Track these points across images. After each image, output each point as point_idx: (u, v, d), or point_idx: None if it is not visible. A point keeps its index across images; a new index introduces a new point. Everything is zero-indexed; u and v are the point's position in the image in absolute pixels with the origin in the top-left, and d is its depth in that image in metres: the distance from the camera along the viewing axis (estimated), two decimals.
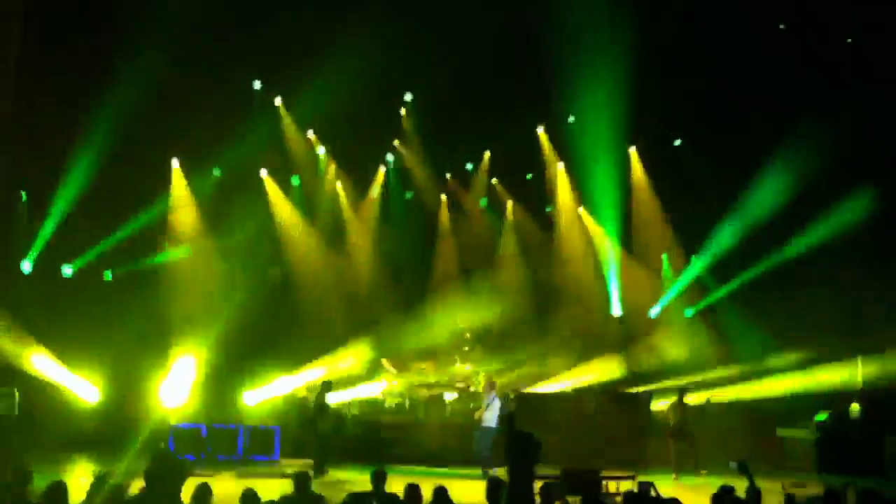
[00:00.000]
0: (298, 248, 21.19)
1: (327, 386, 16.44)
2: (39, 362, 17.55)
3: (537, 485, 9.09)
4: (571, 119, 21.10)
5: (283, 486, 10.23)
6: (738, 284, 20.39)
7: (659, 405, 18.04)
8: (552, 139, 21.84)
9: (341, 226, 21.98)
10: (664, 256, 21.74)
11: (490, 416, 16.03)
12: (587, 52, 18.41)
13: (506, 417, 13.89)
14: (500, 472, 13.54)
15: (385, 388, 19.51)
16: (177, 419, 17.32)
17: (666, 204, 21.25)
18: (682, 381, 18.37)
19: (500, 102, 19.61)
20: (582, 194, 21.56)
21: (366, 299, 21.09)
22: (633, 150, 21.52)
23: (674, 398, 17.06)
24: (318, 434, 15.78)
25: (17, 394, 15.63)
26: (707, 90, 19.24)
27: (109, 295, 19.12)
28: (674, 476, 15.88)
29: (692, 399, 17.55)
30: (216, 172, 20.35)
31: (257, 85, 20.33)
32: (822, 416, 17.83)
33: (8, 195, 17.89)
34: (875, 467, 16.19)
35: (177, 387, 18.75)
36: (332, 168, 21.60)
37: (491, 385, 16.63)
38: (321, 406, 16.01)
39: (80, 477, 11.89)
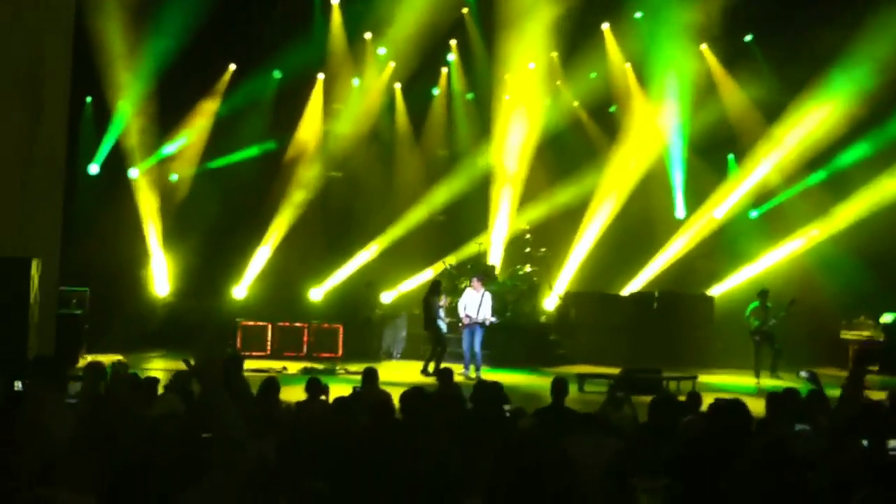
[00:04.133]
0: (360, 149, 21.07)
1: (436, 286, 16.06)
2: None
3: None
4: (638, 15, 20.44)
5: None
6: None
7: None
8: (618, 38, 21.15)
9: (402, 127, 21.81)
10: (730, 156, 21.16)
11: (481, 315, 15.42)
12: None
13: None
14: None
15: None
16: (244, 317, 17.74)
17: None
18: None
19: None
20: (649, 94, 20.96)
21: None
22: (704, 48, 20.74)
23: (757, 301, 16.62)
24: (436, 334, 15.65)
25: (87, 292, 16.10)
26: None
27: (193, 196, 19.58)
28: (756, 380, 15.78)
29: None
30: (276, 75, 20.32)
31: None
32: (887, 319, 17.47)
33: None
34: None
35: (244, 284, 19.27)
36: (390, 69, 21.26)
37: (478, 280, 15.85)
38: (434, 307, 15.64)
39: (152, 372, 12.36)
